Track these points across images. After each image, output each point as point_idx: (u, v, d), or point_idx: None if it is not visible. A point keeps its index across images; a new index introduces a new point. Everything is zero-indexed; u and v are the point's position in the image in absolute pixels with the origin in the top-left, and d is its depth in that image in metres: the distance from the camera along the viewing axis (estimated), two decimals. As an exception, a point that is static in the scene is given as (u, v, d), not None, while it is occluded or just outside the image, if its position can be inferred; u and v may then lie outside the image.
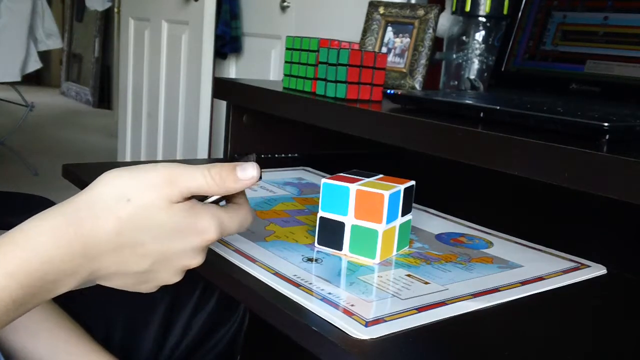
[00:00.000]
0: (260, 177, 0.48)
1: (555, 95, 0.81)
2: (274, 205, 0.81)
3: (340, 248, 0.64)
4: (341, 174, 0.67)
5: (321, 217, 0.65)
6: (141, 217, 0.43)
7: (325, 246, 0.66)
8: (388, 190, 0.61)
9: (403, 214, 0.65)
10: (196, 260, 0.47)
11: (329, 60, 0.83)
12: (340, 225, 0.64)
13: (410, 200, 0.66)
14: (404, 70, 0.98)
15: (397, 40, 1.00)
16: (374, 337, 0.47)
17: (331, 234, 0.65)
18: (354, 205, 0.63)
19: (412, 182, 0.66)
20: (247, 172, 0.46)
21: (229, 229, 0.47)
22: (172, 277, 0.47)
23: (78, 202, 0.44)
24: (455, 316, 0.53)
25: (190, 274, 0.50)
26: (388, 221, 0.62)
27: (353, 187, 0.63)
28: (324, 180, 0.65)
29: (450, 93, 0.88)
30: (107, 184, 0.44)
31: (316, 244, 0.66)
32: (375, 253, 0.62)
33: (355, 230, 0.63)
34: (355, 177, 0.66)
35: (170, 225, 0.44)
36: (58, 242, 0.42)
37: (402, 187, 0.64)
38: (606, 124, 0.56)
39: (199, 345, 0.84)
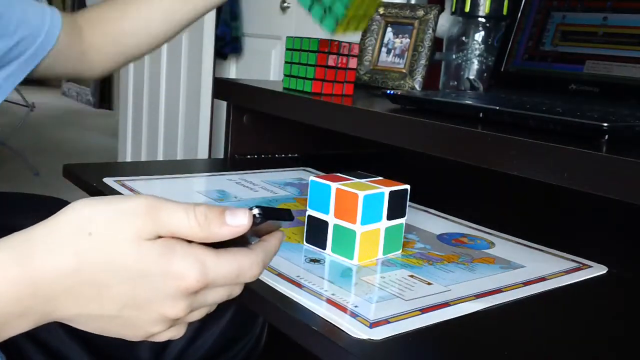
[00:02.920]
0: (292, 218, 0.43)
1: (555, 95, 0.82)
2: (275, 206, 0.81)
3: (324, 247, 0.65)
4: (338, 174, 0.67)
5: (309, 215, 0.66)
6: (103, 255, 0.37)
7: (313, 245, 0.66)
8: (364, 191, 0.61)
9: (391, 218, 0.65)
10: (176, 310, 0.39)
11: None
12: (324, 224, 0.64)
13: (402, 204, 0.65)
14: (404, 71, 0.98)
15: (397, 40, 1.00)
16: (379, 338, 0.48)
17: (317, 232, 0.65)
18: (334, 204, 0.63)
19: (406, 186, 0.66)
20: (237, 218, 0.39)
21: (217, 276, 0.39)
22: (152, 326, 0.40)
23: (32, 234, 0.38)
24: (458, 317, 0.53)
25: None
26: (365, 222, 0.62)
27: (334, 186, 0.63)
28: (311, 177, 0.65)
29: (449, 93, 0.88)
30: (70, 214, 0.38)
31: (305, 242, 0.67)
32: (353, 254, 0.63)
33: (337, 229, 0.64)
34: (347, 177, 0.66)
35: (138, 266, 0.37)
36: (1, 281, 0.36)
37: (385, 190, 0.63)
38: (605, 124, 0.56)
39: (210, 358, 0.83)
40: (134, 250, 0.37)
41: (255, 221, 0.40)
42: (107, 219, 0.38)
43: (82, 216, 0.38)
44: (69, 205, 0.39)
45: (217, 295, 0.41)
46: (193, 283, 0.38)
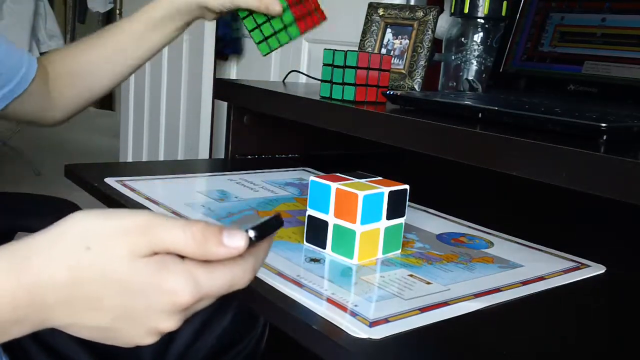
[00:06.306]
0: (282, 224, 0.43)
1: (554, 96, 0.82)
2: (275, 206, 0.81)
3: (324, 246, 0.66)
4: (338, 174, 0.67)
5: (309, 215, 0.67)
6: (99, 269, 0.38)
7: (313, 244, 0.67)
8: (364, 191, 0.62)
9: (390, 217, 0.65)
10: (169, 324, 0.40)
11: (335, 63, 0.82)
12: (324, 224, 0.65)
13: (401, 204, 0.66)
14: (403, 72, 0.99)
15: (397, 41, 1.01)
16: (378, 337, 0.48)
17: (317, 232, 0.66)
18: (334, 203, 0.64)
19: (405, 186, 0.66)
20: (235, 239, 0.39)
21: (211, 290, 0.40)
22: (143, 337, 0.41)
23: (33, 244, 0.39)
24: (457, 316, 0.53)
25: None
26: (365, 222, 0.62)
27: (334, 186, 0.64)
28: (311, 177, 0.66)
29: (449, 94, 0.88)
30: (71, 227, 0.39)
31: (305, 242, 0.68)
32: (353, 254, 0.63)
33: (336, 229, 0.64)
34: (347, 177, 0.66)
35: (131, 282, 0.38)
36: None
37: (385, 190, 0.64)
38: (604, 125, 0.56)
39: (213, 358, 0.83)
40: (128, 266, 0.38)
41: (251, 243, 0.40)
42: (105, 234, 0.39)
43: (81, 230, 0.39)
44: (70, 216, 0.40)
45: (210, 302, 0.42)
46: (187, 299, 0.39)
